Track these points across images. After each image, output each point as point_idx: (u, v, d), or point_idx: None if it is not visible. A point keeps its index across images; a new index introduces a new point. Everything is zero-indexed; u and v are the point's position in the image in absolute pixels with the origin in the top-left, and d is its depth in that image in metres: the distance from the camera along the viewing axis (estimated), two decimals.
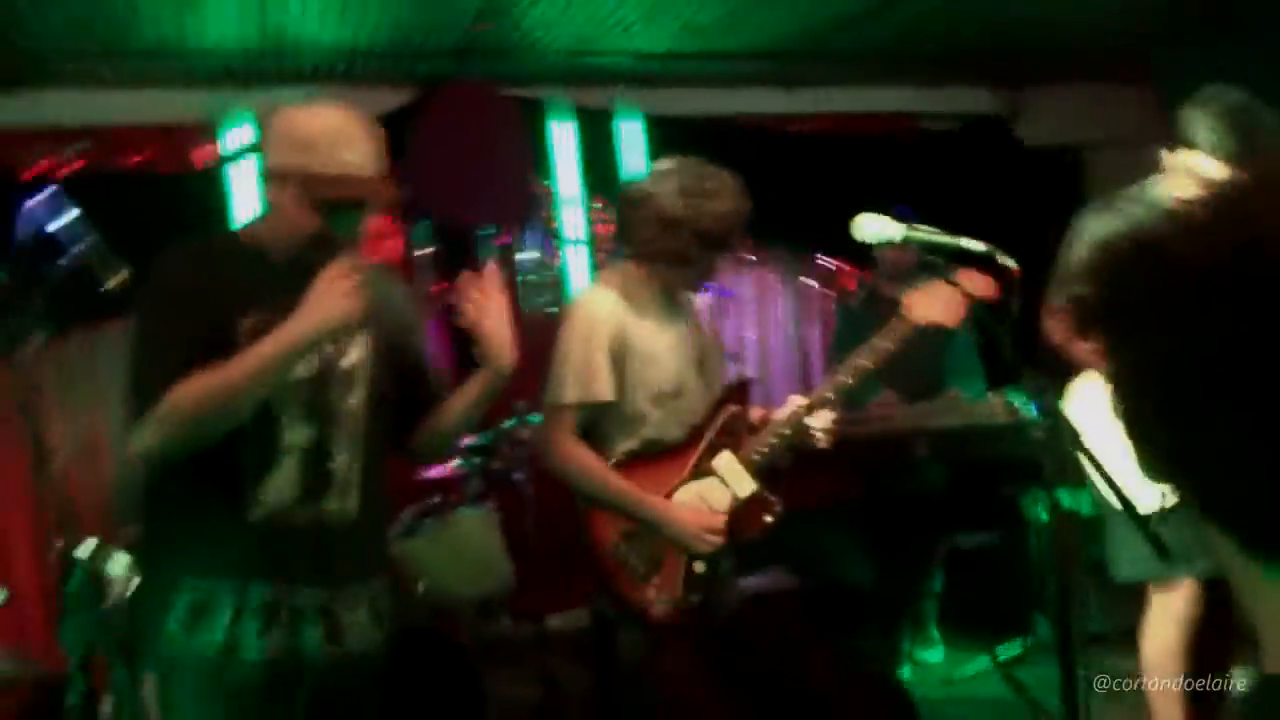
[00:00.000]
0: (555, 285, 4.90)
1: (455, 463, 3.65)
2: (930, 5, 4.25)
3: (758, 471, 2.44)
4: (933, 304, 2.41)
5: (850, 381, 2.44)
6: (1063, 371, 2.71)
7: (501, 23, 4.02)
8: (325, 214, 1.83)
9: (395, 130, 4.45)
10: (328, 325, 1.75)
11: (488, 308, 1.92)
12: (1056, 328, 2.69)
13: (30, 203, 2.64)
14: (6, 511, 3.96)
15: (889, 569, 3.93)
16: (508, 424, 3.65)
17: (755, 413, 2.57)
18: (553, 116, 4.84)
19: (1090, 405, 2.58)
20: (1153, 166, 2.67)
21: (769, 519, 2.43)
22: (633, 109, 4.95)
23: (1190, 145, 2.49)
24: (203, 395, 1.70)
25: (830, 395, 2.45)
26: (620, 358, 2.37)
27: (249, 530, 1.79)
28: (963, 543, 4.25)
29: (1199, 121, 2.46)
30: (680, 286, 2.51)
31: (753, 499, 2.43)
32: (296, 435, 1.83)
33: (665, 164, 2.44)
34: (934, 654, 4.22)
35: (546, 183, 4.86)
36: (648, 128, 4.96)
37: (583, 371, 2.34)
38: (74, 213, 2.49)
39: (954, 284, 2.24)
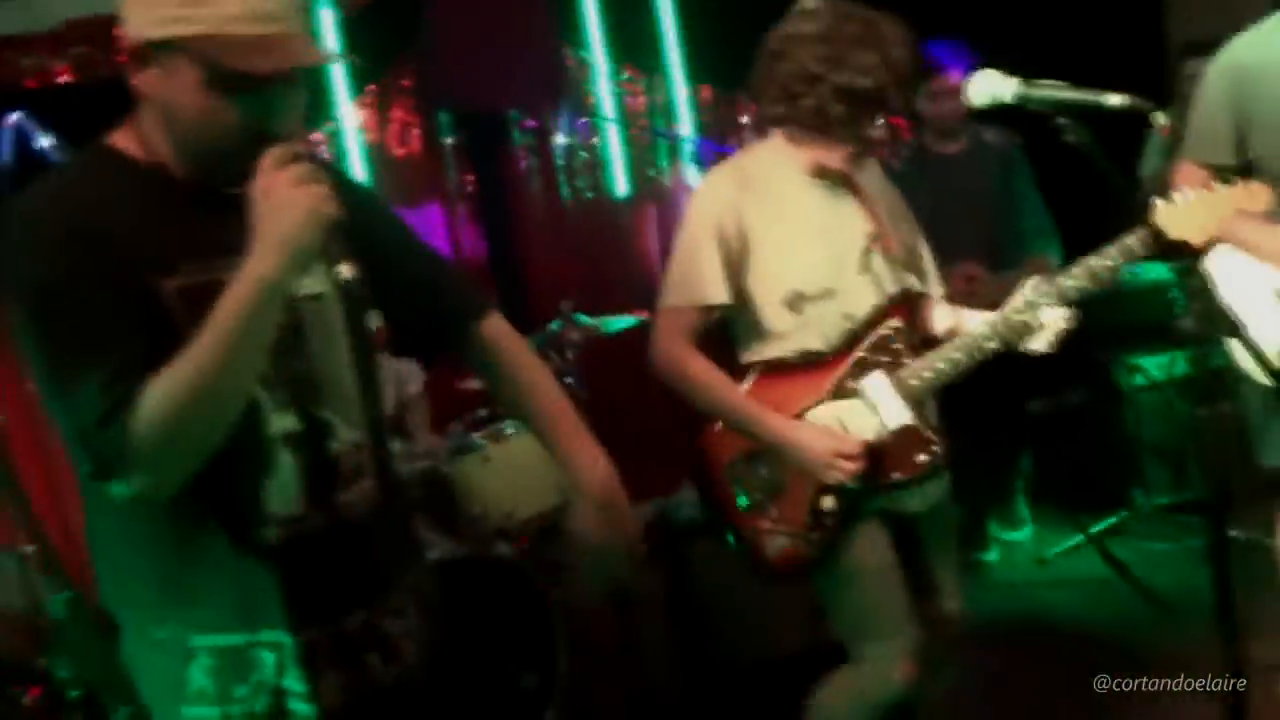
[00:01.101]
0: (594, 168, 4.57)
1: None
2: None
3: (916, 400, 2.05)
4: (1193, 218, 1.79)
5: (1083, 284, 1.98)
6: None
7: None
8: (242, 96, 1.28)
9: (408, 9, 4.18)
10: (295, 252, 1.25)
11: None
12: (1189, 180, 2.32)
13: (7, 121, 2.47)
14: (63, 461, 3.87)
15: (972, 441, 3.67)
16: (554, 326, 3.42)
17: (941, 322, 2.19)
18: None
19: (1231, 274, 2.30)
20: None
21: (923, 458, 2.06)
22: None
23: None
24: (178, 400, 1.22)
25: (1043, 298, 2.01)
26: (739, 253, 2.04)
27: (261, 557, 1.38)
28: (1049, 408, 3.98)
29: None
30: (834, 159, 2.05)
31: (905, 432, 2.04)
32: (283, 419, 1.39)
33: (808, 3, 2.01)
34: (1022, 533, 4.01)
35: (579, 56, 4.48)
36: None
37: (687, 271, 2.05)
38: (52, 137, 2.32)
39: (1219, 195, 1.78)
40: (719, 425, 2.12)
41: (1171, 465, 3.88)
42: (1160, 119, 1.65)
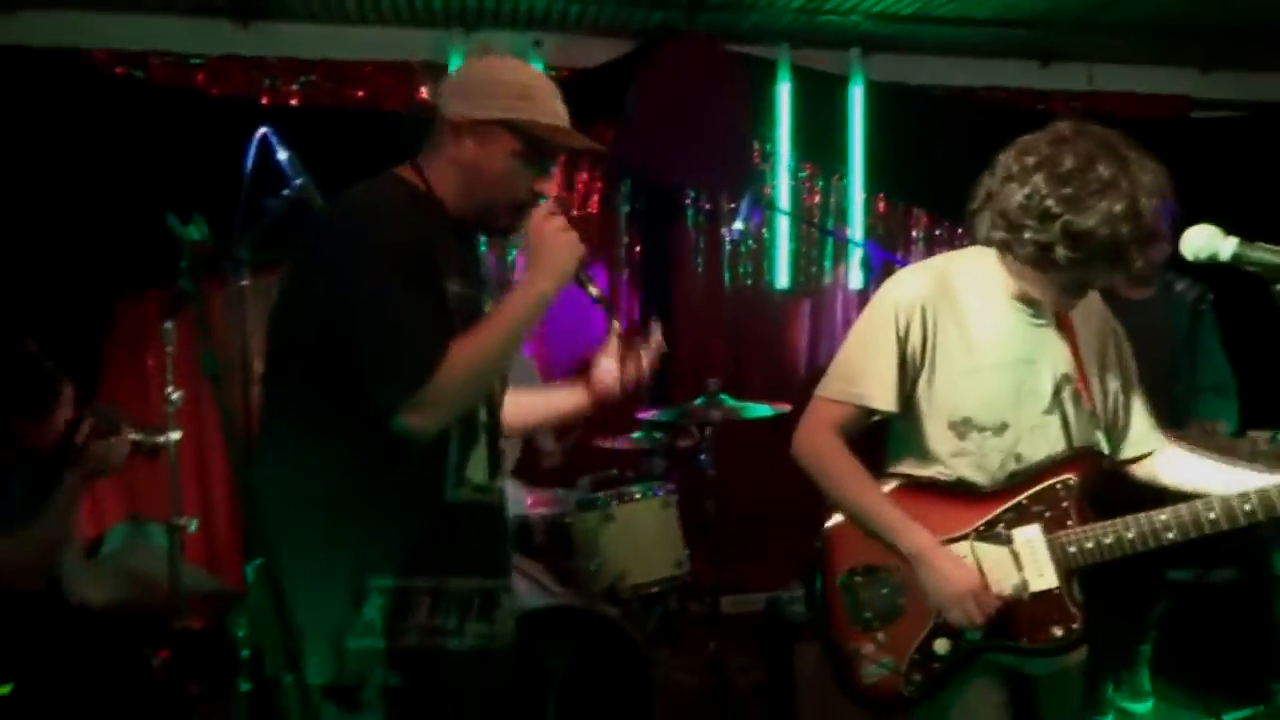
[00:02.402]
0: (758, 257, 4.67)
1: (636, 435, 3.52)
2: None
3: (1068, 567, 1.87)
4: None
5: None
6: None
7: None
8: (535, 165, 1.74)
9: (612, 82, 4.43)
10: (565, 276, 1.70)
11: (629, 366, 1.97)
12: None
13: (255, 136, 2.71)
14: (210, 446, 4.16)
15: (1102, 598, 3.50)
16: (697, 402, 3.47)
17: (1174, 471, 2.00)
18: (779, 77, 4.56)
19: None
20: None
21: (1058, 633, 1.86)
22: (862, 74, 4.61)
23: None
24: (474, 363, 1.62)
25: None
26: (917, 360, 1.89)
27: (450, 513, 1.71)
28: (1193, 579, 3.77)
29: None
30: (1044, 295, 1.87)
31: (1046, 598, 1.86)
32: (483, 414, 1.78)
33: (1066, 128, 1.80)
34: (1143, 705, 3.78)
35: (764, 147, 4.62)
36: (875, 95, 4.62)
37: (856, 365, 1.92)
38: (289, 152, 2.54)
39: None
40: (844, 527, 1.97)
41: None
42: None
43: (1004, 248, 1.83)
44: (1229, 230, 1.68)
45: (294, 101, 4.28)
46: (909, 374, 1.91)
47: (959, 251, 1.99)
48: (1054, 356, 1.92)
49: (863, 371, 1.91)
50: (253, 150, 2.62)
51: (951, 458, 1.92)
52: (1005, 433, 1.90)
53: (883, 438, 2.04)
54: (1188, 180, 4.29)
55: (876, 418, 1.95)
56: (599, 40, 4.38)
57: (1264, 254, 1.64)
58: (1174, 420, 3.44)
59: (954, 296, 1.89)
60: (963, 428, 1.90)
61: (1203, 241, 1.68)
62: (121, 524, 3.74)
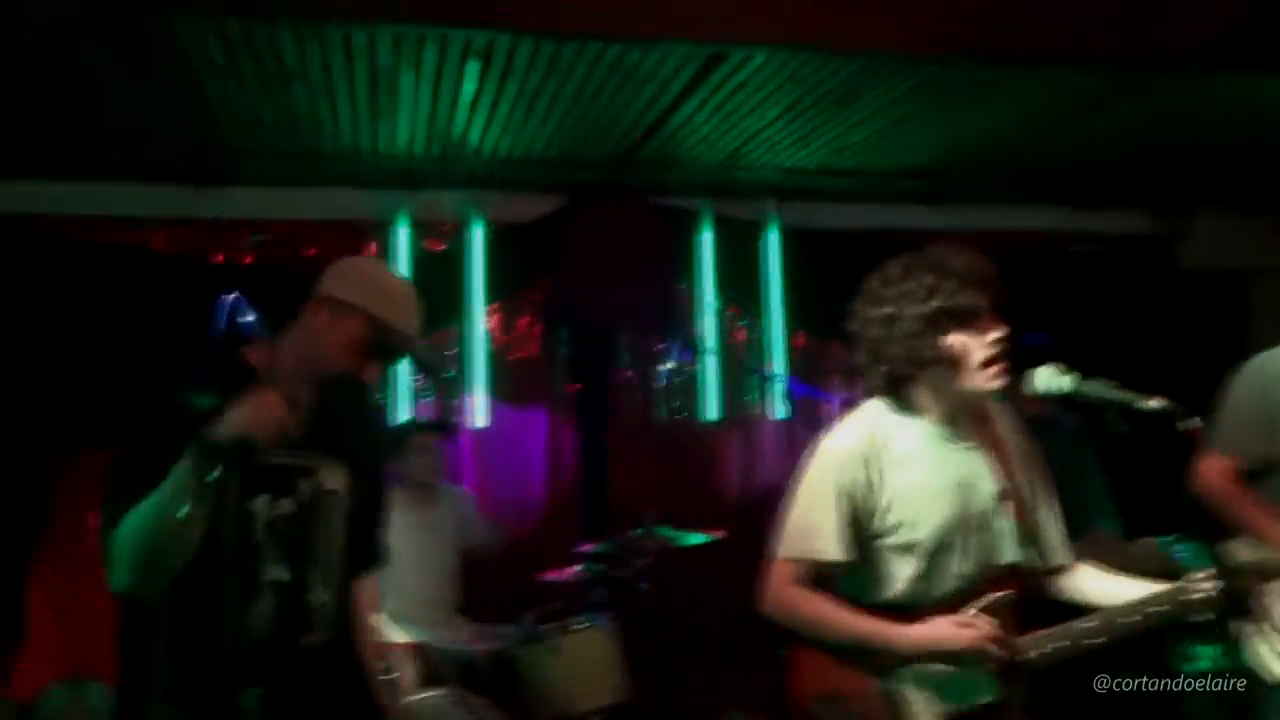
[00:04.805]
0: (689, 392, 4.92)
1: (578, 568, 3.68)
2: (1096, 128, 4.19)
3: (1008, 676, 2.00)
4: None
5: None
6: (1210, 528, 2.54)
7: (662, 139, 4.16)
8: (372, 357, 1.95)
9: (546, 235, 4.74)
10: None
11: None
12: (1216, 479, 2.53)
13: (229, 298, 2.89)
14: None
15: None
16: (634, 533, 3.65)
17: (1080, 588, 2.14)
18: (701, 227, 4.93)
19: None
20: None
21: None
22: (777, 222, 5.01)
23: None
24: (132, 530, 1.77)
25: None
26: (864, 509, 2.02)
27: (230, 667, 1.80)
28: (1112, 687, 3.98)
29: None
30: (956, 404, 2.05)
31: (992, 710, 1.99)
32: (279, 572, 1.89)
33: (873, 280, 2.08)
34: None
35: (689, 291, 4.93)
36: (788, 240, 4.99)
37: (806, 524, 2.04)
38: (257, 314, 2.72)
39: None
40: (807, 660, 2.07)
41: None
42: (1190, 422, 1.86)
43: (899, 382, 2.02)
44: (1093, 355, 1.98)
45: (247, 260, 4.51)
46: (859, 522, 2.02)
47: (878, 402, 2.13)
48: (986, 475, 2.07)
49: (812, 528, 2.03)
50: (225, 311, 2.78)
51: (905, 579, 2.03)
52: (951, 554, 2.02)
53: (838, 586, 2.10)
54: (1061, 308, 4.76)
55: (835, 571, 2.05)
56: (534, 197, 4.68)
57: (1095, 389, 1.96)
58: (1070, 534, 3.74)
59: (886, 440, 2.04)
60: (915, 552, 2.01)
61: (1045, 378, 1.99)
62: (58, 685, 3.70)
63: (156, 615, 1.76)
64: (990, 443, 2.11)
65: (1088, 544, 3.68)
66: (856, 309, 2.08)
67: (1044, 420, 3.88)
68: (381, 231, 4.61)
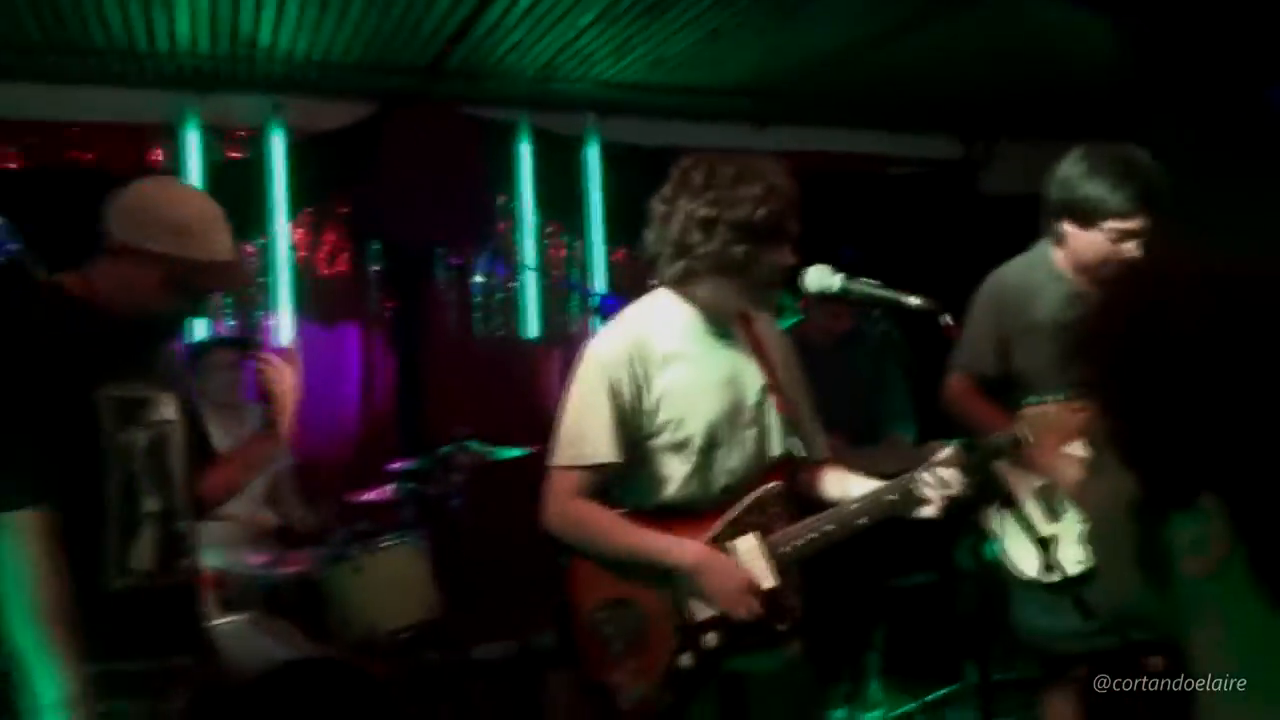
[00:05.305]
0: (508, 309, 4.86)
1: (390, 487, 3.60)
2: (897, 58, 4.30)
3: (783, 566, 2.03)
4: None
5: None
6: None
7: (472, 45, 4.01)
8: (187, 298, 1.90)
9: (354, 145, 4.52)
10: None
11: (284, 378, 2.12)
12: (958, 393, 2.64)
13: None
14: None
15: (827, 615, 3.88)
16: (445, 449, 3.60)
17: (831, 487, 2.17)
18: (519, 140, 4.82)
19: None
20: None
21: (780, 628, 2.02)
22: (597, 137, 4.95)
23: (1087, 207, 2.41)
24: None
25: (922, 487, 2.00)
26: (634, 408, 2.02)
27: (116, 602, 1.78)
28: (900, 585, 4.23)
29: (1093, 182, 2.40)
30: (736, 308, 2.08)
31: (769, 597, 2.00)
32: (150, 503, 1.86)
33: (686, 160, 2.04)
34: (873, 714, 4.15)
35: (510, 206, 4.84)
36: (610, 156, 4.95)
37: (577, 430, 2.03)
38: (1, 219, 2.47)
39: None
40: (585, 569, 2.06)
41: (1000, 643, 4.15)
42: (947, 320, 1.95)
43: (688, 276, 2.00)
44: (920, 272, 2.02)
45: (13, 165, 4.11)
46: (630, 423, 2.03)
47: (641, 300, 2.15)
48: (752, 371, 2.10)
49: (583, 434, 2.02)
50: None
51: (680, 481, 2.05)
52: (722, 449, 2.05)
53: (612, 491, 2.10)
54: (875, 227, 4.89)
55: (609, 472, 2.05)
56: (340, 105, 4.46)
57: (862, 287, 2.02)
58: (867, 440, 3.92)
59: (651, 340, 2.04)
60: (683, 450, 2.03)
61: (816, 277, 2.03)
62: None
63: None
64: (752, 339, 2.14)
65: (884, 448, 3.93)
66: (671, 197, 2.01)
67: (850, 333, 4.05)
68: (169, 136, 4.28)
